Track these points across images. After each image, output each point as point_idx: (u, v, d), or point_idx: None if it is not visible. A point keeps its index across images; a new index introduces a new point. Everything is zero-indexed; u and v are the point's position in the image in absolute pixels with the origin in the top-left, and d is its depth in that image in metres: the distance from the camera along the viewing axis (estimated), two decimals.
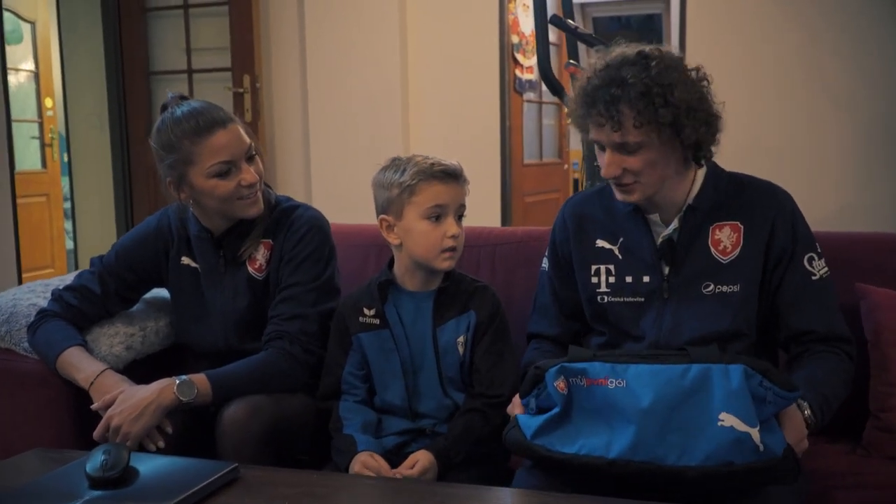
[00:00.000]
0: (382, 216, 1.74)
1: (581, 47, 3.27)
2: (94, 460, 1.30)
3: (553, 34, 4.83)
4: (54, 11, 5.69)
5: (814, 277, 1.58)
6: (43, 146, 6.34)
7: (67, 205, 6.07)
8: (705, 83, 1.54)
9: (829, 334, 1.57)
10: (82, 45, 5.30)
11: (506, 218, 4.45)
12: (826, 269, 1.60)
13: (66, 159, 5.80)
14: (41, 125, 6.35)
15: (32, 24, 6.29)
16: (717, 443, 1.28)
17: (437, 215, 1.69)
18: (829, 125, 3.77)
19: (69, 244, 6.36)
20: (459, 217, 1.74)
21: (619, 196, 1.60)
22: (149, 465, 1.36)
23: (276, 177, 4.56)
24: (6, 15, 5.98)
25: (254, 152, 1.80)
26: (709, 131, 1.51)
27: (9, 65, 6.03)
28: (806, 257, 1.59)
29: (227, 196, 1.76)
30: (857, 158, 3.76)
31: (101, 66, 4.99)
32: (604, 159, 1.56)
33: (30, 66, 6.33)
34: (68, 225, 6.19)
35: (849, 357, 1.57)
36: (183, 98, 1.81)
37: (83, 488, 1.27)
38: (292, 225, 1.86)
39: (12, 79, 6.15)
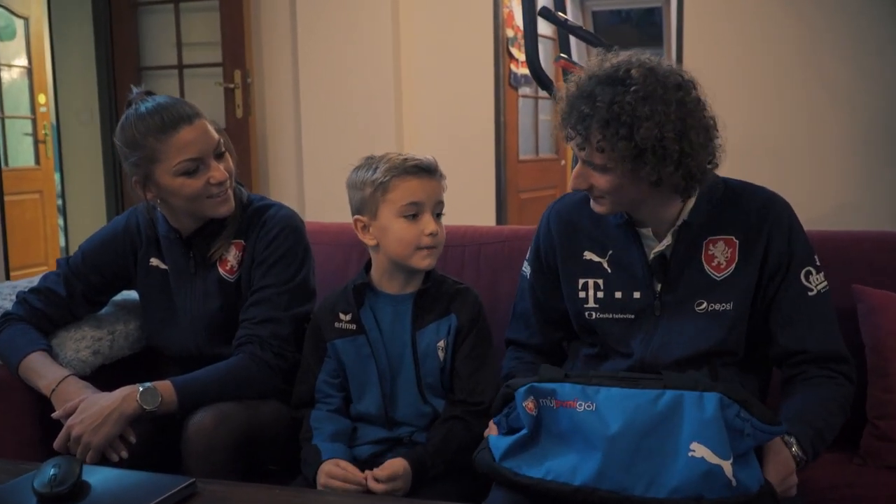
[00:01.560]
0: (357, 217, 1.67)
1: (573, 41, 3.20)
2: (43, 475, 1.24)
3: (549, 28, 4.76)
4: (46, 7, 5.63)
5: (810, 293, 1.49)
6: (36, 143, 6.29)
7: (61, 201, 6.03)
8: (694, 117, 1.40)
9: (824, 354, 1.48)
10: (73, 40, 5.26)
11: (500, 215, 4.39)
12: (825, 283, 1.51)
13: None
14: (34, 121, 6.30)
15: (26, 19, 6.24)
16: (687, 474, 1.21)
17: (413, 213, 1.62)
18: (828, 123, 3.70)
19: (63, 241, 6.32)
20: (438, 215, 1.66)
21: (591, 204, 1.53)
22: (102, 480, 1.30)
23: (268, 173, 4.51)
24: None
25: (223, 149, 1.73)
26: (678, 171, 1.40)
27: (2, 61, 6.01)
28: (803, 272, 1.50)
29: (195, 195, 1.69)
30: (857, 157, 3.69)
31: (92, 62, 4.95)
32: (575, 168, 1.49)
33: (23, 62, 6.28)
34: (62, 221, 6.15)
35: (847, 379, 1.48)
36: (148, 93, 1.74)
37: None
38: (265, 225, 1.79)
39: (5, 75, 6.11)
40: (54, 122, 5.82)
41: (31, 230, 6.06)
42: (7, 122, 6.11)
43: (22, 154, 6.27)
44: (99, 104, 4.94)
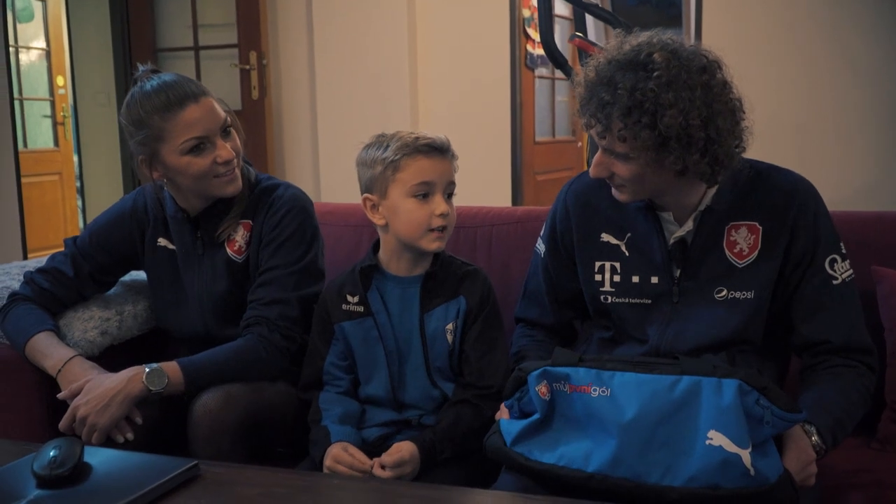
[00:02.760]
0: (366, 195, 1.64)
1: (589, 19, 3.15)
2: (43, 457, 1.21)
3: (565, 8, 4.70)
4: None
5: (835, 282, 1.44)
6: (55, 124, 6.31)
7: (80, 183, 6.05)
8: (721, 101, 1.35)
9: (847, 344, 1.43)
10: (90, 23, 5.27)
11: (517, 196, 4.35)
12: (850, 271, 1.46)
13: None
14: (53, 103, 6.32)
15: (43, 1, 6.25)
16: (704, 463, 1.18)
17: (423, 193, 1.58)
18: (852, 102, 3.61)
19: (81, 222, 6.34)
20: (449, 195, 1.62)
21: (613, 192, 1.48)
22: (103, 461, 1.27)
23: (284, 154, 4.50)
24: None
25: (230, 127, 1.70)
26: (704, 159, 1.34)
27: (20, 43, 6.02)
28: (828, 260, 1.45)
29: (201, 174, 1.67)
30: (882, 136, 3.60)
31: (109, 44, 4.96)
32: (595, 156, 1.44)
33: (41, 44, 6.29)
34: (81, 202, 6.18)
35: (869, 369, 1.44)
36: (154, 71, 1.71)
37: (30, 487, 1.19)
38: (272, 205, 1.76)
39: (23, 57, 6.12)
40: (72, 103, 5.84)
41: (51, 211, 6.09)
42: (26, 104, 6.13)
43: (41, 136, 6.29)
44: (116, 86, 4.96)
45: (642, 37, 1.39)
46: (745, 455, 1.16)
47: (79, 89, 5.54)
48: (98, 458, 1.28)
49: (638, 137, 1.33)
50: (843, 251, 1.47)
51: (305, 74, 4.41)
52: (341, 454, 1.51)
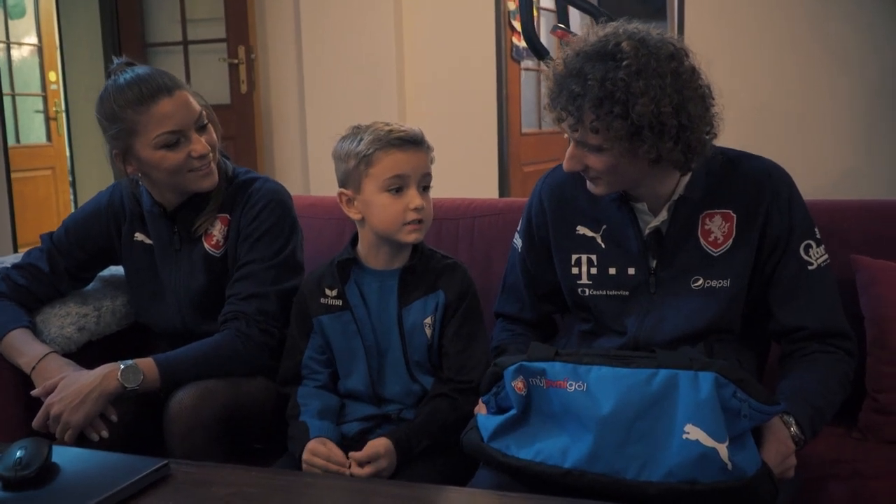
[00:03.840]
0: (341, 190, 1.62)
1: (572, 11, 3.12)
2: (8, 458, 1.20)
3: (550, 0, 4.68)
4: None
5: (810, 267, 1.44)
6: (48, 119, 6.30)
7: (72, 177, 6.04)
8: (690, 87, 1.33)
9: (824, 330, 1.43)
10: (80, 18, 5.25)
11: (503, 188, 4.35)
12: (825, 256, 1.45)
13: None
14: (45, 99, 6.30)
15: None
16: (681, 457, 1.16)
17: (397, 187, 1.56)
18: (830, 90, 3.61)
19: None
20: (425, 187, 1.60)
21: (587, 185, 1.46)
22: (72, 461, 1.26)
23: (273, 148, 4.49)
24: None
25: (206, 121, 1.68)
26: (677, 146, 1.33)
27: (12, 39, 6.00)
28: (802, 246, 1.44)
29: (176, 168, 1.65)
30: (858, 124, 3.59)
31: (99, 39, 4.93)
32: (568, 150, 1.43)
33: (33, 39, 6.28)
34: (74, 196, 6.17)
35: (847, 354, 1.43)
36: (129, 64, 1.69)
37: None
38: (250, 198, 1.74)
39: (15, 53, 6.11)
40: (64, 98, 5.82)
41: (44, 206, 6.08)
42: (18, 99, 6.12)
43: (34, 131, 6.28)
44: (106, 81, 4.93)
45: (609, 28, 1.37)
46: (723, 449, 1.15)
47: (70, 84, 5.52)
48: (66, 458, 1.26)
49: (611, 128, 1.32)
50: (818, 237, 1.46)
51: (293, 68, 4.39)
52: (318, 447, 1.49)
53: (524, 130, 5.02)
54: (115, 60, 1.71)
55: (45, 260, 1.79)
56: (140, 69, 1.67)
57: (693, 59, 1.37)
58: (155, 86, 1.62)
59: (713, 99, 1.38)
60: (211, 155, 1.68)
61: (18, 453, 1.20)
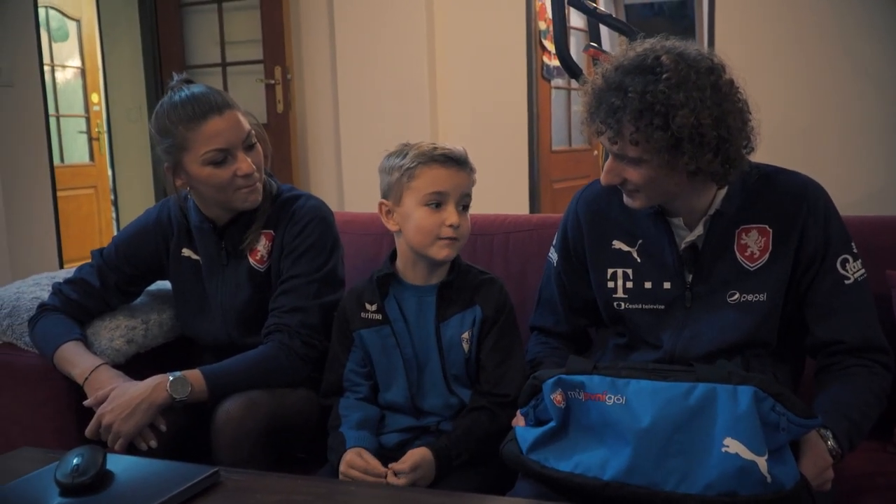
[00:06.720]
0: (382, 201, 1.66)
1: (604, 29, 3.15)
2: (66, 465, 1.24)
3: (581, 19, 4.72)
4: (96, 9, 5.76)
5: (847, 282, 1.44)
6: (90, 140, 6.44)
7: (114, 196, 6.17)
8: (730, 100, 1.35)
9: (861, 344, 1.42)
10: (122, 41, 5.38)
11: (534, 205, 4.38)
12: (862, 271, 1.45)
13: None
14: (88, 120, 6.45)
15: (78, 21, 6.38)
16: (720, 471, 1.17)
17: (436, 202, 1.59)
18: (861, 108, 3.59)
19: (116, 232, 6.45)
20: (464, 207, 1.63)
21: (624, 199, 1.48)
22: (126, 469, 1.30)
23: (308, 166, 4.57)
24: (52, 13, 6.07)
25: (254, 141, 1.74)
26: (717, 158, 1.34)
27: (56, 61, 6.15)
28: (839, 260, 1.44)
29: (222, 185, 1.70)
30: (890, 139, 3.57)
31: (140, 62, 5.05)
32: (606, 163, 1.45)
33: (76, 62, 6.42)
34: (115, 214, 6.30)
35: (884, 368, 1.42)
36: (188, 81, 1.75)
37: (52, 495, 1.21)
38: (293, 216, 1.79)
39: (59, 75, 6.25)
40: (106, 119, 5.96)
41: (87, 224, 6.22)
42: (62, 120, 6.26)
43: (77, 151, 6.43)
44: (147, 102, 5.05)
45: (647, 43, 1.40)
46: (762, 462, 1.16)
47: (112, 105, 5.65)
48: (121, 465, 1.30)
49: (651, 140, 1.33)
50: (855, 251, 1.46)
51: (328, 88, 4.48)
52: (355, 459, 1.52)
53: (554, 148, 5.04)
54: (175, 77, 1.77)
55: (95, 275, 1.85)
56: (196, 87, 1.72)
57: (731, 74, 1.38)
58: (206, 104, 1.67)
59: (750, 113, 1.39)
60: (257, 175, 1.74)
61: (75, 461, 1.24)
